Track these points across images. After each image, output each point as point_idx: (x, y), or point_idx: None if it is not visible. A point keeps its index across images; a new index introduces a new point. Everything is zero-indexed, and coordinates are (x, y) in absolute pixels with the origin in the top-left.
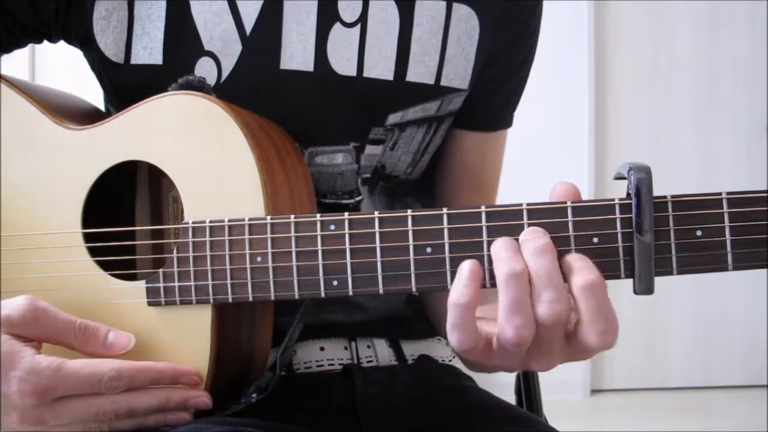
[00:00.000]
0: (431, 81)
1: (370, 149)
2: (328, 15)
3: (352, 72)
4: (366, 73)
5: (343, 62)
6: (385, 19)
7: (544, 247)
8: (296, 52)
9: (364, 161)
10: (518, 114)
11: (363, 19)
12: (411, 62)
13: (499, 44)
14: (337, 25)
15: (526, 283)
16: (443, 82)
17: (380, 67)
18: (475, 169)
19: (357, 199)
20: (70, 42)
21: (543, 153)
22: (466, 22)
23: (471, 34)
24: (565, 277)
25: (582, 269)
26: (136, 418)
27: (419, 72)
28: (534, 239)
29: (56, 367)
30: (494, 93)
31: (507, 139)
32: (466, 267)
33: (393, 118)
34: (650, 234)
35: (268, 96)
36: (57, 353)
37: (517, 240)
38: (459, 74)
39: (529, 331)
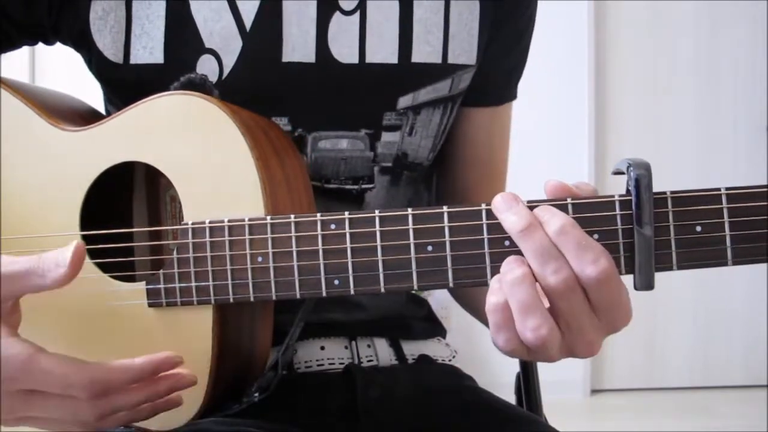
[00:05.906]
0: (438, 60)
1: (386, 136)
2: (327, 5)
3: (354, 59)
4: (369, 59)
5: (344, 50)
6: (383, 3)
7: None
8: (297, 45)
9: (382, 149)
10: (518, 113)
11: (362, 6)
12: (415, 43)
13: (499, 16)
14: (337, 14)
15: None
16: (450, 60)
17: (383, 51)
18: (483, 148)
19: (364, 186)
20: (64, 42)
21: (543, 152)
22: None
23: (472, 9)
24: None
25: (596, 258)
26: (124, 413)
27: (425, 52)
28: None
29: (25, 359)
30: (497, 65)
31: (512, 117)
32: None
33: (404, 102)
34: (650, 226)
35: (271, 90)
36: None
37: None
38: (465, 50)
39: (548, 329)
